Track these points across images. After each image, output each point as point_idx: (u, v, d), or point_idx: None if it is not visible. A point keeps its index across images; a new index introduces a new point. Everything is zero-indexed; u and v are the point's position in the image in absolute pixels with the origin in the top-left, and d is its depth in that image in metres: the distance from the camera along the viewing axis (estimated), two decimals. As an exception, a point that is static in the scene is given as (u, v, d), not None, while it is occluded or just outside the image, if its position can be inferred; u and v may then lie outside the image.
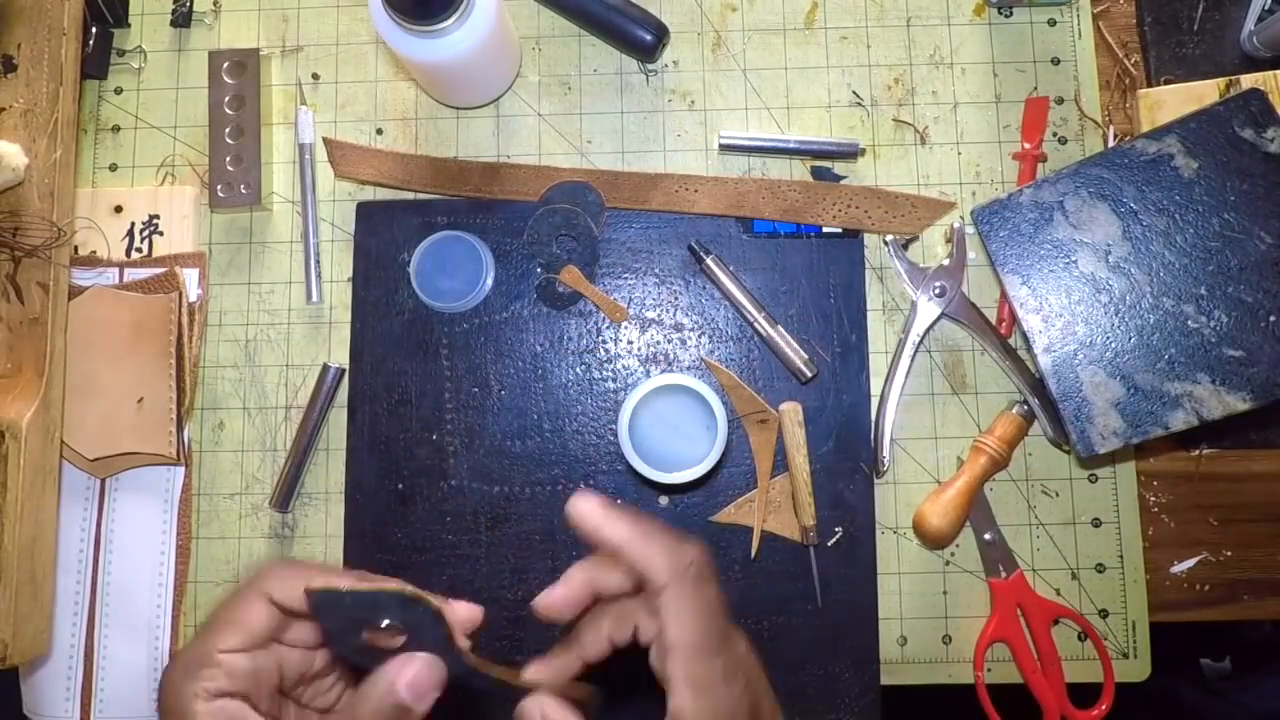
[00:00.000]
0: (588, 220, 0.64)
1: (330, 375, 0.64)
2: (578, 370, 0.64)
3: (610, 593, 0.38)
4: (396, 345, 0.64)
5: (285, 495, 0.63)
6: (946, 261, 0.63)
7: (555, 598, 0.37)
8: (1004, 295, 0.62)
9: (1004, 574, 0.61)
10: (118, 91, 0.69)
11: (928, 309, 0.62)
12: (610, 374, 0.64)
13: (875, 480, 0.62)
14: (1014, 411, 0.61)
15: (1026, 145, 0.64)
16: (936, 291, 0.62)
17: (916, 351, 0.62)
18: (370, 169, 0.66)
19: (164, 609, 0.63)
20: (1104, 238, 0.58)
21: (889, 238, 0.64)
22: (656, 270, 0.65)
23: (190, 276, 0.65)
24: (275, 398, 0.65)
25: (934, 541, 0.61)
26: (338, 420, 0.64)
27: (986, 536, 0.61)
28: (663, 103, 0.67)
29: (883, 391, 0.62)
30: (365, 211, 0.66)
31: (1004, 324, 0.63)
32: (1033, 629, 0.60)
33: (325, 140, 0.66)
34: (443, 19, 0.54)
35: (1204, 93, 0.62)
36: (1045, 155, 0.65)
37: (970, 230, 0.63)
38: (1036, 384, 0.61)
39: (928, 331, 0.62)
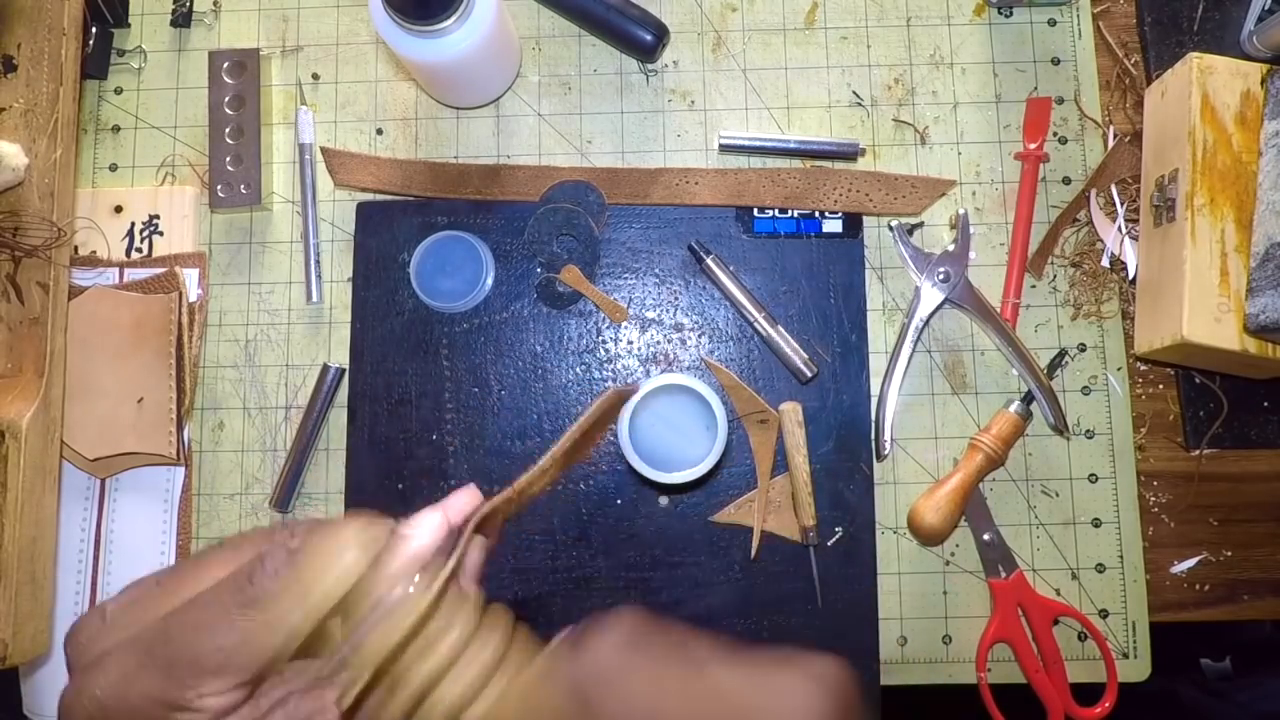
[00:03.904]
0: (588, 219, 0.64)
1: (330, 375, 0.64)
2: (578, 370, 0.64)
3: None
4: (396, 345, 0.64)
5: (285, 495, 0.63)
6: (951, 247, 0.63)
7: None
8: (1008, 285, 0.63)
9: (1003, 574, 0.61)
10: (118, 91, 0.69)
11: (931, 295, 0.62)
12: (610, 374, 0.64)
13: (875, 479, 0.62)
14: (1011, 410, 0.61)
15: (1029, 145, 0.64)
16: (940, 277, 0.62)
17: (919, 337, 0.62)
18: (369, 176, 0.66)
19: (164, 609, 0.63)
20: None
21: (893, 223, 0.64)
22: (656, 270, 0.65)
23: (190, 276, 0.65)
24: (275, 398, 0.65)
25: (929, 538, 0.61)
26: (338, 420, 0.64)
27: (985, 537, 0.61)
28: (663, 103, 0.67)
29: (886, 372, 0.62)
30: (365, 211, 0.66)
31: (1007, 309, 0.63)
32: (1034, 628, 0.60)
33: (323, 150, 0.66)
34: (443, 19, 0.54)
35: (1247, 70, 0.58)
36: (1048, 155, 0.65)
37: (974, 221, 0.64)
38: (1038, 371, 0.61)
39: (930, 317, 0.62)
